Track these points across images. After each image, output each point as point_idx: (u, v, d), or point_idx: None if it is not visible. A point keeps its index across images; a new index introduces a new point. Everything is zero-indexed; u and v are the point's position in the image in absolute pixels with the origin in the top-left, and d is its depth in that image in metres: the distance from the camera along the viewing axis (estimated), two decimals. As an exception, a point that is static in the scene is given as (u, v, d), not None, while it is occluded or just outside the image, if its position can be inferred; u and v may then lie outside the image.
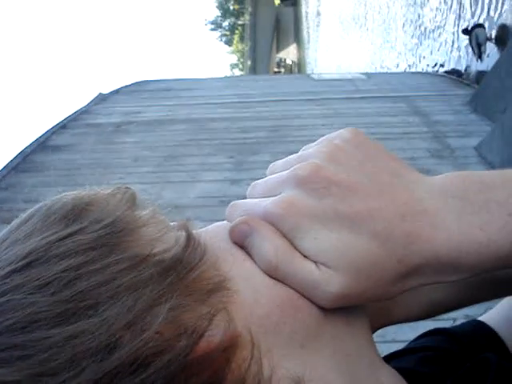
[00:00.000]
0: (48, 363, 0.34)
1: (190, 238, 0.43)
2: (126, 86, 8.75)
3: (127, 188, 0.47)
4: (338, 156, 0.44)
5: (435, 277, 0.42)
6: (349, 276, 0.40)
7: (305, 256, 0.41)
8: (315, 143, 0.48)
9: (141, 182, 4.61)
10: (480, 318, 0.68)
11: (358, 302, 0.43)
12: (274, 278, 0.42)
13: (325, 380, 0.41)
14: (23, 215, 0.44)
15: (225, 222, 0.48)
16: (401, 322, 0.56)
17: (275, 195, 0.44)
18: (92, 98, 7.86)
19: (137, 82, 9.11)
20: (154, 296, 0.37)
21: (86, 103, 7.59)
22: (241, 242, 0.44)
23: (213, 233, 0.47)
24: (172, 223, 0.46)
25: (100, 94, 8.10)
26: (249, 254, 0.44)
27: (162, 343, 0.36)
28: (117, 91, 8.40)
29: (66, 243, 0.39)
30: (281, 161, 0.48)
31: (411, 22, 10.70)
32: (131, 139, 5.96)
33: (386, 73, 11.59)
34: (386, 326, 0.55)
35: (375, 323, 0.51)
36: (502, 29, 6.51)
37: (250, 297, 0.41)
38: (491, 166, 4.43)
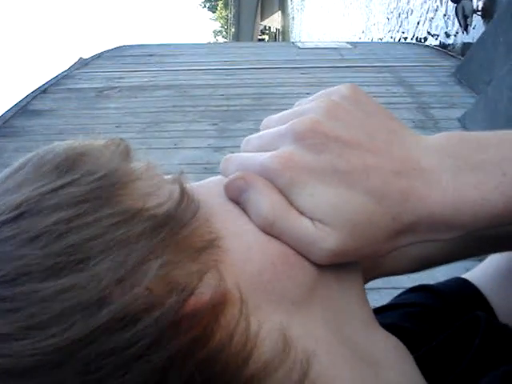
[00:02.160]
0: (37, 317, 0.34)
1: (183, 192, 0.43)
2: (108, 51, 8.64)
3: (121, 140, 0.47)
4: (336, 112, 0.43)
5: (429, 234, 0.42)
6: (344, 233, 0.40)
7: (301, 212, 0.41)
8: (311, 98, 0.47)
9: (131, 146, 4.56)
10: (464, 276, 0.69)
11: (352, 259, 0.43)
12: (269, 235, 0.42)
13: (314, 336, 0.41)
14: (15, 164, 0.43)
15: (219, 176, 0.47)
16: (390, 274, 0.56)
17: (271, 150, 0.43)
18: (73, 63, 7.75)
19: (119, 47, 9.00)
20: (145, 252, 0.37)
21: (67, 68, 7.48)
22: (236, 197, 0.44)
23: (207, 188, 0.46)
24: (166, 176, 0.45)
25: (81, 58, 7.99)
26: (244, 210, 0.43)
27: (151, 299, 0.36)
28: (98, 56, 8.29)
29: (58, 195, 0.38)
30: (276, 115, 0.48)
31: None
32: (113, 105, 5.90)
33: (372, 42, 11.56)
34: (375, 278, 0.56)
35: (365, 276, 0.52)
36: (489, 1, 6.49)
37: (243, 254, 0.41)
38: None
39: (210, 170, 4.20)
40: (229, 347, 0.38)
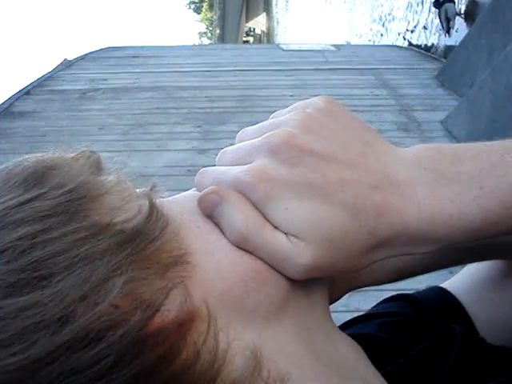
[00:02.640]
0: None
1: (152, 208, 0.41)
2: (92, 52, 8.60)
3: (92, 152, 0.46)
4: (311, 125, 0.43)
5: (405, 248, 0.42)
6: (320, 248, 0.40)
7: (276, 227, 0.40)
8: (286, 110, 0.46)
9: (106, 150, 4.53)
10: (443, 285, 0.68)
11: (327, 274, 0.43)
12: (243, 250, 0.41)
13: (285, 352, 0.41)
14: None
15: (192, 191, 0.46)
16: (365, 286, 0.56)
17: (246, 163, 0.43)
18: (57, 64, 7.71)
19: (103, 49, 8.96)
20: (110, 268, 0.36)
21: (51, 69, 7.44)
22: (210, 212, 0.43)
23: (179, 203, 0.45)
24: (137, 190, 0.44)
25: (65, 59, 7.95)
26: (217, 224, 0.42)
27: (115, 317, 0.35)
28: (82, 57, 8.26)
29: (24, 209, 0.37)
30: (251, 127, 0.47)
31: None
32: (97, 106, 5.87)
33: (356, 45, 11.59)
34: (352, 290, 0.55)
35: (340, 289, 0.51)
36: (472, 4, 6.55)
37: (212, 271, 0.40)
38: (457, 139, 4.48)
39: (194, 172, 4.07)
40: (195, 366, 0.37)
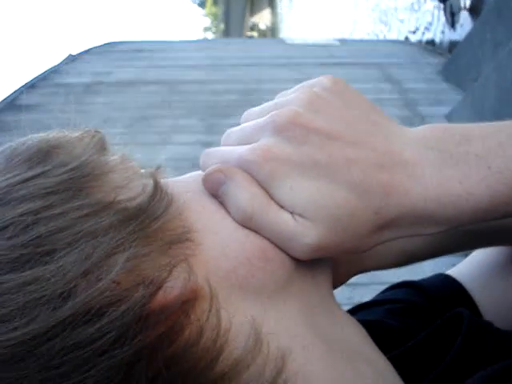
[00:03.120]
0: (0, 309, 0.33)
1: (156, 187, 0.42)
2: (97, 47, 8.58)
3: (96, 132, 0.46)
4: (317, 103, 0.42)
5: (412, 229, 0.42)
6: (325, 227, 0.40)
7: (281, 206, 0.41)
8: (292, 90, 0.46)
9: (111, 143, 4.52)
10: (448, 272, 0.68)
11: (333, 254, 0.42)
12: (248, 229, 0.41)
13: (289, 331, 0.41)
14: None
15: (198, 171, 0.46)
16: (375, 269, 0.56)
17: (251, 143, 0.43)
18: (62, 58, 7.71)
19: (107, 43, 8.94)
20: (112, 244, 0.36)
21: (56, 63, 7.43)
22: (214, 190, 0.43)
23: (185, 183, 0.46)
24: (142, 170, 0.45)
25: (70, 55, 7.94)
26: (222, 203, 0.43)
27: (117, 293, 0.35)
28: (87, 51, 8.24)
29: (28, 186, 0.38)
30: (256, 108, 0.47)
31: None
32: (101, 100, 5.86)
33: (360, 40, 11.55)
34: (356, 274, 0.55)
35: (347, 271, 0.51)
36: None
37: (217, 250, 0.40)
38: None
39: (198, 165, 4.15)
40: (198, 344, 0.37)
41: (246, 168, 0.41)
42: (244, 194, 0.41)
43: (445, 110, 4.95)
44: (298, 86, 0.47)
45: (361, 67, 6.69)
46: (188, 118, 5.32)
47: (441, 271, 0.69)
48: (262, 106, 0.47)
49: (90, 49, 8.42)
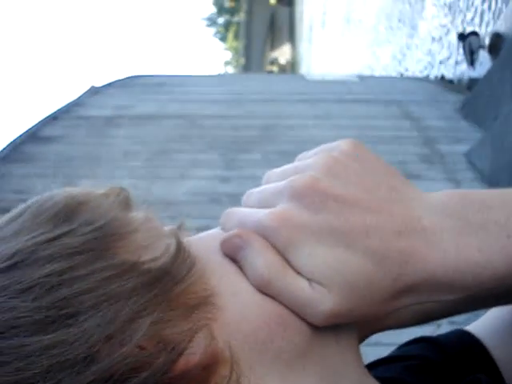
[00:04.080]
0: (24, 372, 0.33)
1: (179, 247, 0.42)
2: (119, 80, 8.70)
3: (122, 189, 0.47)
4: (336, 169, 0.43)
5: (430, 296, 0.41)
6: (342, 295, 0.39)
7: (298, 272, 0.41)
8: (312, 152, 0.47)
9: (130, 176, 4.60)
10: (466, 328, 0.67)
11: (350, 320, 0.42)
12: (265, 294, 0.41)
13: None
14: (14, 210, 0.43)
15: (218, 229, 0.47)
16: (391, 329, 0.56)
17: (270, 206, 0.43)
18: (84, 91, 7.82)
19: (130, 77, 9.06)
20: (136, 308, 0.36)
21: (78, 96, 7.54)
22: (233, 255, 0.43)
23: (205, 242, 0.46)
24: (165, 228, 0.45)
25: (92, 86, 8.06)
26: (240, 268, 0.43)
27: (140, 358, 0.35)
28: (109, 84, 8.35)
29: (53, 245, 0.38)
30: (277, 170, 0.47)
31: (405, 26, 10.71)
32: (122, 133, 5.92)
33: (379, 76, 11.60)
34: (376, 332, 0.55)
35: (365, 332, 0.51)
36: (496, 37, 6.53)
37: (237, 313, 0.40)
38: (480, 173, 4.44)
39: (216, 200, 4.20)
40: None
41: (264, 233, 0.42)
42: (261, 260, 0.41)
43: (464, 148, 4.94)
44: (318, 148, 0.47)
45: (380, 104, 6.71)
46: (207, 152, 5.36)
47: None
48: (283, 168, 0.47)
49: (113, 82, 8.54)
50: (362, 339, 0.52)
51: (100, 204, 0.43)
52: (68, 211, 0.41)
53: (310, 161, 0.45)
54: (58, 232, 0.39)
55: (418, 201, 0.42)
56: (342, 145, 0.46)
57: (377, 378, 0.48)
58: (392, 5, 11.84)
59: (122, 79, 8.79)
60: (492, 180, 4.30)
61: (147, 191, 4.09)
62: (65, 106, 6.95)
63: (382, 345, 0.66)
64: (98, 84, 8.26)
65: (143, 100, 7.24)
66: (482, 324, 0.67)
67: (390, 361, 0.64)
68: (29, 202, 0.43)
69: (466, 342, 0.64)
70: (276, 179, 0.46)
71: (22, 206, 0.43)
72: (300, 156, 0.48)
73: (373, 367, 0.61)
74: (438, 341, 0.65)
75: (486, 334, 0.64)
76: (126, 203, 0.45)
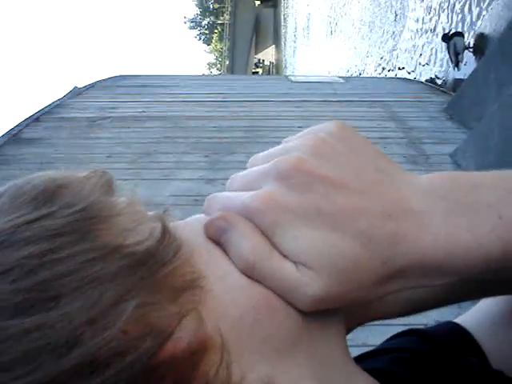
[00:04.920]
0: (1, 357, 0.32)
1: (165, 230, 0.40)
2: (102, 81, 8.68)
3: (104, 172, 0.45)
4: (323, 150, 0.41)
5: (420, 280, 0.40)
6: (330, 278, 0.38)
7: (284, 255, 0.39)
8: (298, 135, 0.45)
9: (114, 178, 4.56)
10: (456, 320, 0.66)
11: (338, 305, 0.41)
12: (251, 278, 0.39)
13: None
14: None
15: (203, 215, 0.45)
16: (380, 319, 0.54)
17: (255, 189, 0.41)
18: (67, 92, 7.78)
19: (113, 77, 9.05)
20: (120, 291, 0.35)
21: (61, 96, 7.50)
22: (217, 238, 0.41)
23: (190, 226, 0.44)
24: (149, 213, 0.43)
25: (75, 87, 8.02)
26: (225, 251, 0.41)
27: (125, 342, 0.33)
28: (92, 85, 8.33)
29: (33, 227, 0.36)
30: (262, 153, 0.46)
31: (390, 28, 10.79)
32: (105, 135, 5.90)
33: (364, 77, 11.67)
34: (363, 323, 0.53)
35: (353, 321, 0.49)
36: (480, 38, 6.59)
37: (224, 297, 0.39)
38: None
39: (201, 202, 4.10)
40: None
41: (249, 216, 0.40)
42: (246, 242, 0.39)
43: (449, 148, 4.98)
44: (305, 131, 0.46)
45: (365, 105, 6.74)
46: (192, 154, 5.34)
47: (445, 314, 0.68)
48: (268, 151, 0.45)
49: (95, 83, 8.52)
50: (349, 330, 0.50)
51: (81, 187, 0.41)
52: (48, 194, 0.39)
53: (296, 142, 0.43)
54: (37, 214, 0.37)
55: (407, 183, 0.42)
56: (329, 126, 0.44)
57: (365, 369, 0.47)
58: (376, 7, 11.93)
59: (105, 80, 8.79)
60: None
61: (132, 192, 4.05)
62: (47, 107, 6.92)
63: (369, 346, 0.64)
64: (81, 85, 8.23)
65: (126, 101, 7.23)
66: (471, 316, 0.66)
67: (378, 353, 0.63)
68: (7, 186, 0.41)
69: (456, 334, 0.64)
70: (261, 162, 0.44)
71: None
72: (286, 139, 0.46)
73: (361, 360, 0.60)
74: (427, 333, 0.65)
75: (475, 326, 0.64)
76: (109, 186, 0.43)
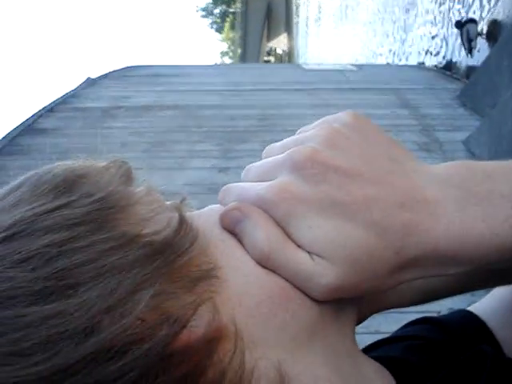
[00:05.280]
0: (20, 343, 0.32)
1: (182, 220, 0.41)
2: (115, 71, 8.68)
3: (123, 162, 0.45)
4: (337, 140, 0.41)
5: (434, 269, 0.40)
6: (344, 268, 0.38)
7: (298, 245, 0.39)
8: (313, 125, 0.45)
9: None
10: (469, 308, 0.66)
11: (352, 295, 0.41)
12: (266, 268, 0.40)
13: (314, 375, 0.40)
14: (13, 182, 0.42)
15: (219, 205, 0.46)
16: (393, 307, 0.55)
17: (270, 180, 0.42)
18: (80, 82, 7.80)
19: (126, 67, 9.05)
20: (138, 280, 0.35)
21: (74, 87, 7.52)
22: (232, 228, 0.42)
23: (206, 217, 0.45)
24: (167, 203, 0.44)
25: (88, 78, 8.04)
26: (240, 241, 0.42)
27: (142, 330, 0.34)
28: (105, 76, 8.34)
29: (53, 216, 0.37)
30: (277, 143, 0.46)
31: (402, 15, 10.69)
32: (119, 124, 5.92)
33: (377, 65, 11.58)
34: (377, 312, 0.54)
35: (366, 310, 0.50)
36: (493, 24, 6.52)
37: (240, 287, 0.40)
38: (479, 160, 4.42)
39: (214, 190, 4.11)
40: None
41: (263, 206, 0.41)
42: (261, 232, 0.40)
43: (462, 135, 4.94)
44: (319, 121, 0.46)
45: (377, 93, 6.70)
46: (204, 143, 5.34)
47: (458, 302, 0.68)
48: (282, 141, 0.46)
49: (108, 73, 8.52)
50: (363, 318, 0.51)
51: (100, 177, 0.42)
52: (68, 183, 0.40)
53: (310, 133, 0.43)
54: (57, 203, 0.38)
55: (421, 172, 0.41)
56: (343, 116, 0.44)
57: (377, 357, 0.47)
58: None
59: (118, 70, 8.78)
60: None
61: (146, 182, 4.04)
62: (60, 98, 6.94)
63: (383, 333, 0.64)
64: (94, 75, 8.24)
65: (139, 91, 7.23)
66: (485, 304, 0.66)
67: (392, 341, 0.63)
68: (28, 175, 0.42)
69: (469, 322, 0.64)
70: (276, 153, 0.44)
71: (20, 179, 0.42)
72: (301, 129, 0.46)
73: (376, 347, 0.61)
74: (441, 321, 0.64)
75: (488, 315, 0.64)
76: (128, 176, 0.44)
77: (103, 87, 7.61)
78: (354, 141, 0.42)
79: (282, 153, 0.43)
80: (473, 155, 4.59)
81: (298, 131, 0.46)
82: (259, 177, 0.44)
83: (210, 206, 0.47)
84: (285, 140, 0.46)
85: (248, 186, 0.43)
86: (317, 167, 0.40)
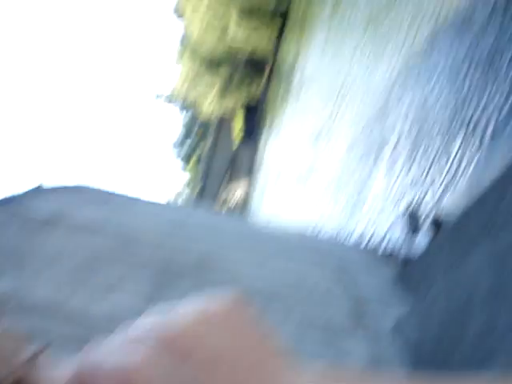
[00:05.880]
0: None
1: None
2: (67, 187, 8.66)
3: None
4: (204, 329, 0.39)
5: None
6: None
7: None
8: (188, 302, 0.42)
9: (53, 282, 4.48)
10: None
11: None
12: None
13: None
14: None
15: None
16: None
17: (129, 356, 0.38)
18: (29, 189, 7.72)
19: (78, 186, 9.04)
20: None
21: (22, 192, 7.42)
22: None
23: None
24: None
25: (39, 186, 7.97)
26: None
27: None
28: (55, 189, 8.30)
29: None
30: (145, 320, 0.43)
31: (354, 191, 11.10)
32: (53, 240, 5.80)
33: (319, 237, 11.80)
34: None
35: None
36: (440, 212, 6.78)
37: None
38: (407, 341, 4.51)
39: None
40: None
41: None
42: None
43: (393, 318, 4.98)
44: (197, 298, 0.42)
45: (315, 264, 6.76)
46: (136, 274, 5.24)
47: None
48: (149, 319, 0.43)
49: (60, 187, 8.48)
50: None
51: None
52: None
53: (181, 312, 0.41)
54: None
55: (282, 378, 0.39)
56: (223, 300, 0.42)
57: None
58: (343, 171, 12.38)
59: (70, 186, 8.76)
60: (417, 350, 4.34)
61: (65, 301, 4.02)
62: (4, 200, 6.81)
63: None
64: (46, 184, 8.19)
65: (83, 211, 7.16)
66: None
67: None
68: None
69: None
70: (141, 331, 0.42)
71: None
72: (169, 307, 0.44)
73: None
74: None
75: None
76: None
77: (50, 199, 7.55)
78: (222, 333, 0.39)
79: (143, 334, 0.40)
80: (402, 336, 4.62)
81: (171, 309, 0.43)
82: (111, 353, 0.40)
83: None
84: (153, 318, 0.43)
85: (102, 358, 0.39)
86: (175, 354, 0.37)
